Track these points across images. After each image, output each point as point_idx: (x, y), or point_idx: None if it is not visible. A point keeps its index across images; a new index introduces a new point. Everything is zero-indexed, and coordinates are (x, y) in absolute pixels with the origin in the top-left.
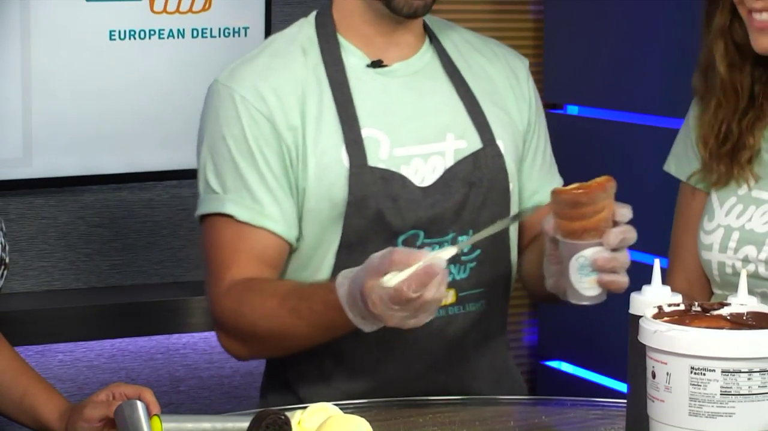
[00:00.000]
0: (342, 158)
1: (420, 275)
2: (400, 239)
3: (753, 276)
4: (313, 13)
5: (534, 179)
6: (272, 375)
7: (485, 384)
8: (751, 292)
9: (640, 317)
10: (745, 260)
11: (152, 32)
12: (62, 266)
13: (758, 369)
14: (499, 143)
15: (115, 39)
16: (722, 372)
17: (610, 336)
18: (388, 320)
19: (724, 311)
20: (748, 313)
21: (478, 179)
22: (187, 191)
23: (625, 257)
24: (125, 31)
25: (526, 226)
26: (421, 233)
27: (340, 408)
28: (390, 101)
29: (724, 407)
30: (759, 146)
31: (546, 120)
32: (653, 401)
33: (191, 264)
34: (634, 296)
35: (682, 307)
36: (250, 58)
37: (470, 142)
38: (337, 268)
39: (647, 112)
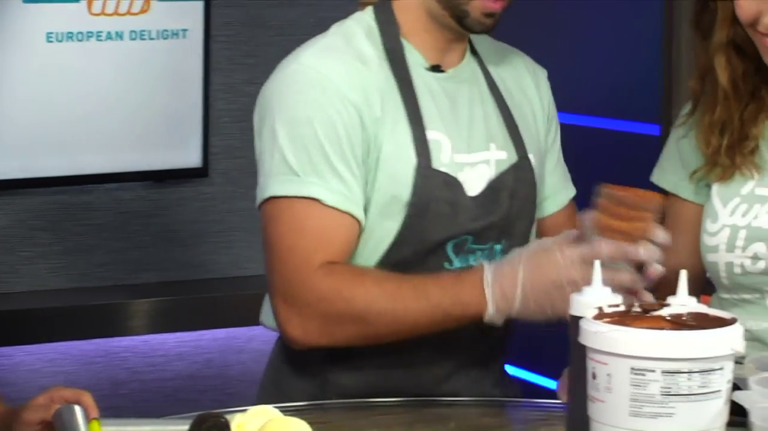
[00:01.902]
0: (411, 157)
1: (626, 246)
2: (452, 241)
3: (763, 273)
4: (369, 10)
5: (546, 184)
6: (294, 362)
7: (499, 386)
8: (760, 290)
9: (581, 318)
10: (755, 258)
11: (90, 34)
12: (2, 270)
13: (698, 370)
14: (531, 156)
15: (52, 41)
16: (662, 372)
17: (550, 338)
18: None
19: (665, 312)
20: (688, 314)
21: (517, 191)
22: (127, 194)
23: (627, 277)
24: (63, 33)
25: (543, 231)
26: (470, 239)
27: (282, 411)
28: (449, 106)
29: (665, 407)
30: (761, 137)
31: None
32: (594, 402)
33: (133, 267)
34: (575, 298)
35: (622, 308)
36: (330, 46)
37: (509, 154)
38: (383, 264)
39: (586, 113)
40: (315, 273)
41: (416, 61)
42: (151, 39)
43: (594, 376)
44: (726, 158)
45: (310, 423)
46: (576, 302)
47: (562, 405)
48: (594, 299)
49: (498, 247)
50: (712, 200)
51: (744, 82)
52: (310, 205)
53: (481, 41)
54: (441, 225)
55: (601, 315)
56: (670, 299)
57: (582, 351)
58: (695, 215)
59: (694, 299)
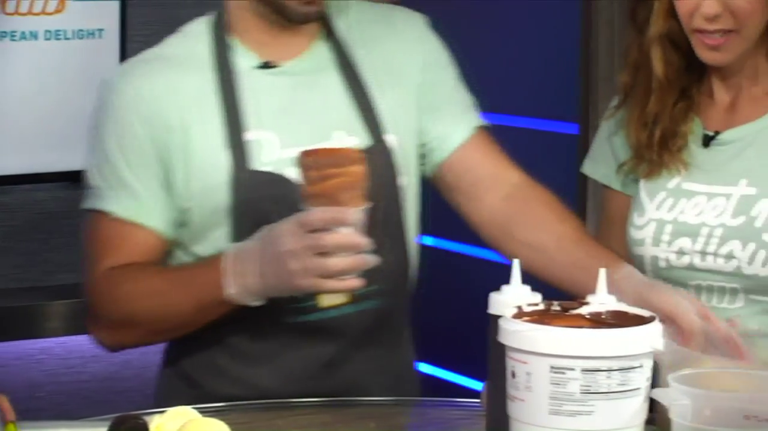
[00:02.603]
0: (224, 162)
1: (329, 209)
2: None
3: (688, 268)
4: (214, 13)
5: (440, 124)
6: (173, 373)
7: (385, 384)
8: (685, 284)
9: (500, 317)
10: (680, 252)
11: (4, 34)
12: None
13: (617, 368)
14: (390, 137)
15: None
16: (582, 370)
17: (469, 337)
18: (290, 262)
19: (584, 311)
20: (607, 312)
21: (369, 176)
22: (44, 195)
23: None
24: None
25: (456, 170)
26: None
27: (201, 412)
28: (280, 102)
29: (584, 405)
30: (688, 135)
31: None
32: (513, 400)
33: (49, 268)
34: (494, 296)
35: (541, 307)
36: (142, 58)
37: (361, 139)
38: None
39: (504, 112)
40: (97, 280)
41: (245, 59)
42: (67, 39)
43: (513, 375)
44: (654, 154)
45: (229, 424)
46: (495, 302)
47: (481, 405)
48: (513, 297)
49: None
50: (639, 194)
51: (676, 78)
52: (105, 218)
53: (348, 10)
54: (268, 223)
55: (520, 314)
56: (589, 298)
57: (501, 350)
58: (627, 207)
59: (613, 298)
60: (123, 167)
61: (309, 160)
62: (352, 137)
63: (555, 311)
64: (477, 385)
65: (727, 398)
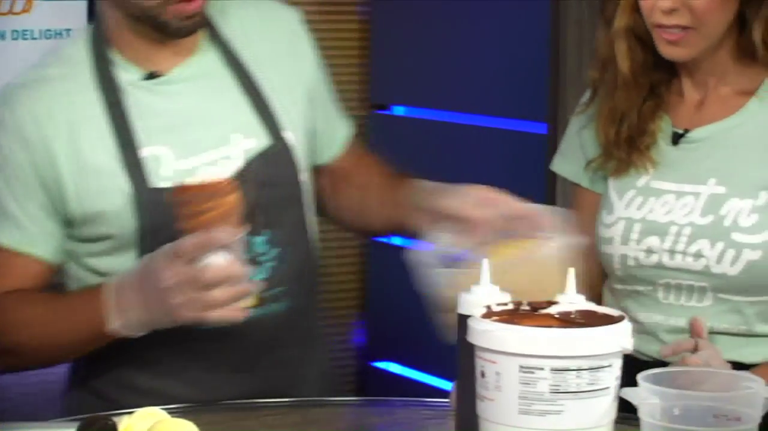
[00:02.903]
0: (124, 184)
1: (203, 237)
2: None
3: (656, 267)
4: (90, 27)
5: (324, 128)
6: (81, 388)
7: (305, 386)
8: (653, 283)
9: (469, 316)
10: (649, 251)
11: None
12: None
13: (587, 367)
14: (288, 134)
15: None
16: (551, 370)
17: (438, 337)
18: (171, 296)
19: (553, 310)
20: (576, 311)
21: (269, 178)
22: None
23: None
24: None
25: (335, 177)
26: None
27: (169, 413)
28: (170, 113)
29: (554, 405)
30: (657, 133)
31: (372, 121)
32: (483, 400)
33: None
34: (463, 296)
35: (510, 306)
36: (21, 83)
37: (258, 140)
38: None
39: (473, 112)
40: None
41: (129, 73)
42: (34, 39)
43: (483, 375)
44: (622, 152)
45: (198, 425)
46: (464, 301)
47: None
48: (482, 297)
49: (259, 239)
50: (608, 192)
51: (643, 74)
52: None
53: (231, 12)
54: (175, 238)
55: (489, 314)
56: (558, 297)
57: (470, 349)
58: (596, 205)
59: (582, 297)
60: (6, 196)
61: (181, 197)
62: (251, 139)
63: (524, 310)
64: (446, 385)
65: (697, 397)
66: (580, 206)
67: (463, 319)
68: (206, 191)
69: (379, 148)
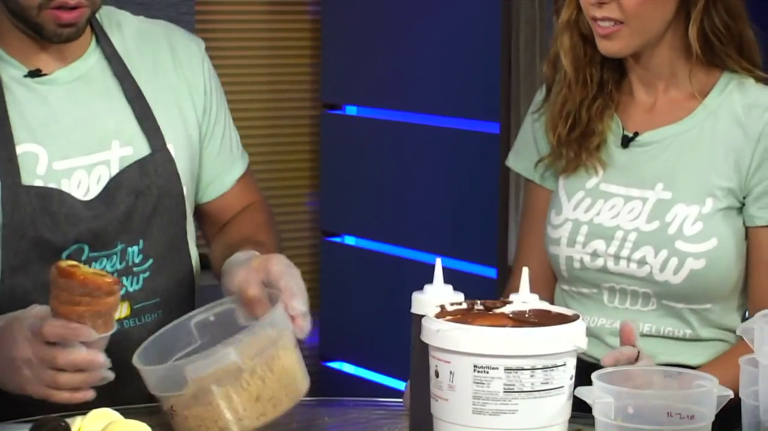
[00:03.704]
0: None
1: (67, 326)
2: (64, 254)
3: (601, 271)
4: None
5: (210, 166)
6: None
7: None
8: (598, 286)
9: (423, 316)
10: (594, 255)
11: None
12: None
13: (541, 366)
14: (171, 146)
15: None
16: (505, 369)
17: (392, 336)
18: (22, 368)
19: (507, 310)
20: (530, 311)
21: (146, 187)
22: None
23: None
24: None
25: (212, 215)
26: (86, 247)
27: (122, 413)
28: (50, 113)
29: (508, 404)
30: (607, 133)
31: (324, 121)
32: (437, 400)
33: None
34: (416, 296)
35: (464, 306)
36: None
37: (137, 148)
38: (4, 292)
39: (425, 112)
40: None
41: (12, 69)
42: None
43: (437, 374)
44: (571, 151)
45: (151, 425)
46: (417, 301)
47: (404, 404)
48: (436, 297)
49: (134, 249)
50: (558, 192)
51: (590, 72)
52: None
53: (122, 25)
54: (43, 239)
55: (443, 313)
56: (512, 297)
57: (424, 349)
58: (547, 201)
59: (536, 296)
60: None
61: (62, 281)
62: (128, 147)
63: (478, 310)
64: (399, 385)
65: (650, 395)
66: (530, 202)
67: (417, 319)
68: (89, 287)
69: (331, 148)
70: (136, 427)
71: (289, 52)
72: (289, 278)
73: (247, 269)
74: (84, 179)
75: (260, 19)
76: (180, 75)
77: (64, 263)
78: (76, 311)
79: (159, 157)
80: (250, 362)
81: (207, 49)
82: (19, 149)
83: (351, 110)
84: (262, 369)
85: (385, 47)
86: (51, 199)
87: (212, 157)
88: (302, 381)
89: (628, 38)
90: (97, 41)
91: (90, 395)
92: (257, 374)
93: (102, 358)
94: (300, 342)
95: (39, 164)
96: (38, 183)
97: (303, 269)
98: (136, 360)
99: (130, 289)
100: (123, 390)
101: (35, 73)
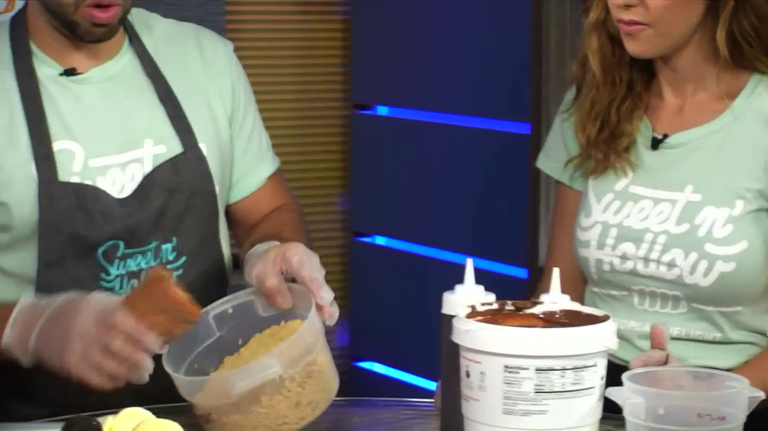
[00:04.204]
0: (32, 175)
1: (137, 328)
2: (100, 251)
3: (631, 273)
4: (9, 17)
5: (237, 165)
6: None
7: None
8: (628, 289)
9: (453, 316)
10: (624, 257)
11: None
12: None
13: (571, 367)
14: (202, 146)
15: None
16: (536, 370)
17: (422, 337)
18: (74, 342)
19: (537, 310)
20: (560, 311)
21: (179, 185)
22: None
23: None
24: None
25: (240, 216)
26: (121, 244)
27: (153, 413)
28: (85, 111)
29: (538, 405)
30: (636, 135)
31: (354, 121)
32: (467, 400)
33: None
34: (447, 296)
35: (495, 306)
36: None
37: (170, 147)
38: (40, 288)
39: (456, 112)
40: None
41: (48, 68)
42: None
43: (467, 374)
44: (600, 152)
45: (182, 424)
46: (448, 301)
47: (434, 404)
48: (466, 297)
49: (167, 246)
50: (587, 194)
51: (619, 72)
52: None
53: (153, 27)
54: (78, 236)
55: (473, 314)
56: (543, 297)
57: (455, 349)
58: (576, 203)
59: (566, 297)
60: None
61: (153, 289)
62: (161, 145)
63: (509, 310)
64: (430, 385)
65: (681, 396)
66: (560, 203)
67: (448, 319)
68: (176, 307)
69: (361, 148)
70: (167, 426)
71: (320, 52)
72: (311, 267)
73: (264, 259)
74: (119, 177)
75: (290, 19)
76: (209, 76)
77: (163, 273)
78: (151, 320)
79: (191, 155)
80: (291, 371)
81: (237, 49)
82: (56, 146)
83: (382, 110)
84: (301, 375)
85: (416, 47)
86: (87, 196)
87: (239, 156)
88: (335, 382)
89: (654, 40)
90: (130, 42)
91: (120, 384)
92: (297, 381)
93: (149, 363)
94: (329, 341)
95: (75, 161)
96: (74, 180)
97: (333, 270)
98: (168, 366)
99: None
100: (151, 386)
101: (70, 72)
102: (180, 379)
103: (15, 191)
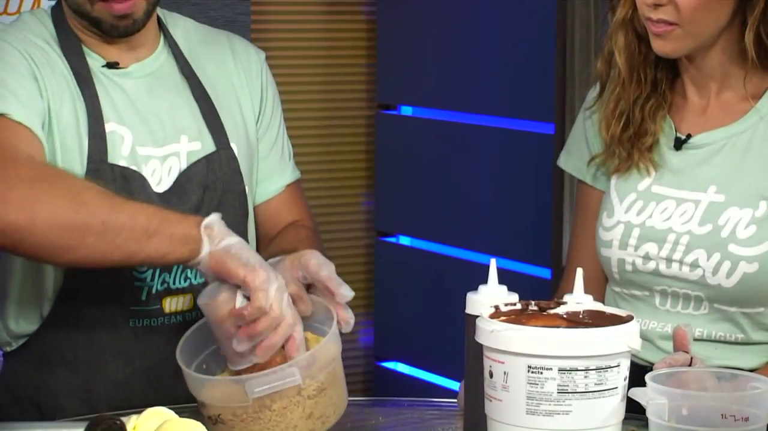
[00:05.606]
0: (84, 152)
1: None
2: None
3: (653, 274)
4: (48, 6)
5: (261, 168)
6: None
7: None
8: (650, 289)
9: (477, 316)
10: (646, 257)
11: None
12: None
13: (594, 367)
14: (233, 145)
15: None
16: (559, 370)
17: (446, 337)
18: (260, 277)
19: (561, 310)
20: (584, 311)
21: (212, 182)
22: None
23: None
24: None
25: (259, 223)
26: None
27: (177, 412)
28: (130, 100)
29: (561, 405)
30: (659, 134)
31: (379, 121)
32: (491, 400)
33: None
34: (471, 296)
35: (518, 306)
36: (23, 24)
37: (204, 144)
38: (76, 268)
39: (480, 112)
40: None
41: (91, 58)
42: None
43: (491, 375)
44: (623, 151)
45: (205, 424)
46: (472, 301)
47: (458, 405)
48: (490, 297)
49: None
50: (609, 194)
51: (644, 70)
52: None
53: (185, 28)
54: None
55: (497, 314)
56: (566, 297)
57: (478, 349)
58: (599, 202)
59: (590, 297)
60: (8, 77)
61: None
62: (196, 142)
63: (532, 310)
64: (453, 385)
65: (704, 397)
66: (582, 202)
67: (471, 319)
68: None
69: (386, 148)
70: (190, 426)
71: (345, 52)
72: (330, 268)
73: (281, 267)
74: (158, 169)
75: (316, 19)
76: (240, 79)
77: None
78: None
79: (223, 154)
80: (309, 381)
81: (262, 49)
82: (108, 127)
83: (406, 111)
84: (315, 388)
85: (441, 47)
86: (133, 181)
87: (261, 160)
88: (345, 397)
89: (682, 40)
90: (165, 40)
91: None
92: (312, 393)
93: (268, 356)
94: (354, 341)
95: (124, 145)
96: (122, 163)
97: (357, 269)
98: (181, 361)
99: (194, 282)
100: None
101: (112, 65)
102: (191, 375)
103: (65, 165)
